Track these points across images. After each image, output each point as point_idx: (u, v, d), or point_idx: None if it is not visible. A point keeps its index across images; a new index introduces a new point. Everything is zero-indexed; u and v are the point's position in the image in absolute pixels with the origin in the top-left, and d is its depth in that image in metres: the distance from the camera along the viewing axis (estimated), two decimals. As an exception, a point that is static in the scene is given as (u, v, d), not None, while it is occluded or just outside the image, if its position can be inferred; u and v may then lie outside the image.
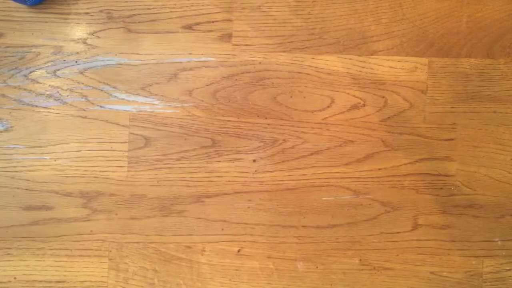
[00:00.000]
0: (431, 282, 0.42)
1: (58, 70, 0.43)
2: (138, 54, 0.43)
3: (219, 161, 0.43)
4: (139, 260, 0.43)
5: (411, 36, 0.43)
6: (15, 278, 0.43)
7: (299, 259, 0.43)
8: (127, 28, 0.43)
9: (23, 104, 0.43)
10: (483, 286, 0.42)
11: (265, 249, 0.43)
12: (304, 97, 0.43)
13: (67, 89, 0.43)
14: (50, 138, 0.43)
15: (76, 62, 0.43)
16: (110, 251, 0.43)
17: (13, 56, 0.43)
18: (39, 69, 0.43)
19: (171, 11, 0.43)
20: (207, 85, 0.43)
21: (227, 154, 0.43)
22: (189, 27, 0.43)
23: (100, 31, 0.43)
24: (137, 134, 0.43)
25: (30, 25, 0.43)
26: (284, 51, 0.43)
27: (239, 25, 0.43)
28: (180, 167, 0.43)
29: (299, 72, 0.43)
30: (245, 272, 0.43)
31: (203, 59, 0.43)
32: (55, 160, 0.43)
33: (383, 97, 0.43)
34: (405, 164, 0.43)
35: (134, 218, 0.43)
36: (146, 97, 0.43)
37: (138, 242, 0.43)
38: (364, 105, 0.43)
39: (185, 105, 0.43)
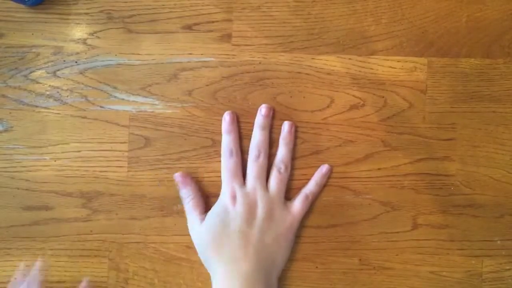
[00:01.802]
0: (431, 282, 0.42)
1: (58, 70, 0.43)
2: (138, 54, 0.43)
3: (219, 161, 0.43)
4: (139, 260, 0.43)
5: (410, 36, 0.43)
6: (15, 278, 0.43)
7: (300, 259, 0.43)
8: (127, 28, 0.43)
9: (23, 104, 0.43)
10: (483, 286, 0.42)
11: (265, 249, 0.43)
12: (304, 97, 0.43)
13: (67, 89, 0.43)
14: (50, 138, 0.43)
15: (76, 62, 0.43)
16: (110, 251, 0.43)
17: (13, 56, 0.43)
18: (39, 69, 0.43)
19: (170, 11, 0.43)
20: (207, 85, 0.43)
21: (227, 154, 0.43)
22: (188, 27, 0.43)
23: (100, 31, 0.43)
24: (137, 134, 0.43)
25: (30, 25, 0.43)
26: (284, 51, 0.43)
27: (239, 25, 0.43)
28: (180, 167, 0.43)
29: (299, 72, 0.43)
30: (245, 272, 0.43)
31: (203, 59, 0.43)
32: (55, 161, 0.43)
33: (383, 97, 0.43)
34: (404, 164, 0.43)
35: (134, 218, 0.43)
36: (146, 97, 0.43)
37: (138, 242, 0.43)
38: (363, 105, 0.43)
39: (185, 105, 0.43)
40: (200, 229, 0.40)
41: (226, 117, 0.42)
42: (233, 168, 0.41)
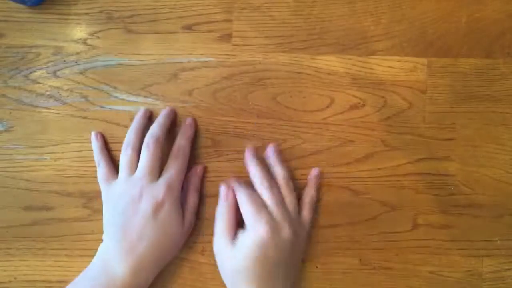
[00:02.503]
0: (431, 282, 0.42)
1: (58, 70, 0.43)
2: (138, 54, 0.43)
3: (219, 161, 0.43)
4: (139, 260, 0.43)
5: (410, 36, 0.43)
6: (15, 278, 0.43)
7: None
8: (127, 28, 0.43)
9: (24, 104, 0.43)
10: (483, 286, 0.42)
11: (265, 249, 0.43)
12: (304, 97, 0.43)
13: (67, 89, 0.43)
14: (50, 138, 0.43)
15: (76, 62, 0.43)
16: (111, 251, 0.43)
17: (13, 56, 0.43)
18: (39, 69, 0.43)
19: (171, 12, 0.43)
20: (207, 85, 0.43)
21: (227, 154, 0.43)
22: (189, 28, 0.43)
23: (100, 31, 0.43)
24: (137, 134, 0.43)
25: (30, 25, 0.43)
26: (283, 51, 0.43)
27: (239, 26, 0.43)
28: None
29: (299, 72, 0.43)
30: (245, 272, 0.43)
31: (203, 59, 0.43)
32: (55, 160, 0.43)
33: (383, 97, 0.43)
34: (404, 164, 0.43)
35: (134, 218, 0.43)
36: (146, 97, 0.43)
37: (138, 242, 0.43)
38: (363, 105, 0.43)
39: (185, 105, 0.43)
40: (233, 254, 0.38)
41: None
42: (258, 200, 0.39)
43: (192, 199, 0.41)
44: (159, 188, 0.38)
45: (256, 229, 0.38)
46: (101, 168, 0.41)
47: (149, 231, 0.38)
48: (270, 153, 0.42)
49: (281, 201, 0.40)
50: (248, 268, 0.37)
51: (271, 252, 0.37)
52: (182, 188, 0.41)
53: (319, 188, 0.42)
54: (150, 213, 0.38)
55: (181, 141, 0.41)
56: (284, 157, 0.43)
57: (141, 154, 0.40)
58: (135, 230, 0.37)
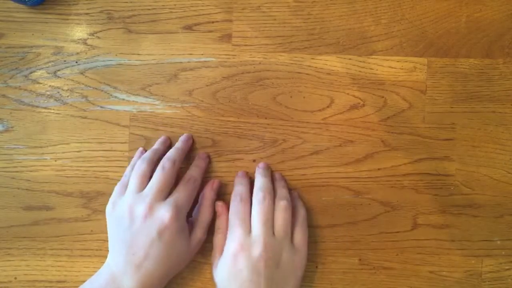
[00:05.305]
0: (431, 282, 0.42)
1: (59, 70, 0.43)
2: (138, 54, 0.43)
3: (219, 161, 0.43)
4: (140, 260, 0.43)
5: (410, 36, 0.43)
6: (15, 278, 0.43)
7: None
8: (127, 28, 0.43)
9: (24, 105, 0.43)
10: (482, 286, 0.42)
11: (265, 249, 0.43)
12: (304, 97, 0.43)
13: (68, 89, 0.43)
14: (50, 139, 0.43)
15: (76, 62, 0.43)
16: (111, 251, 0.43)
17: (13, 56, 0.43)
18: (39, 69, 0.43)
19: (171, 12, 0.43)
20: (207, 85, 0.43)
21: (227, 154, 0.43)
22: (189, 28, 0.43)
23: (100, 31, 0.43)
24: (137, 134, 0.43)
25: (31, 25, 0.43)
26: (284, 51, 0.43)
27: (239, 26, 0.43)
28: (180, 167, 0.43)
29: (299, 72, 0.43)
30: (245, 271, 0.43)
31: (203, 59, 0.43)
32: (55, 160, 0.43)
33: (383, 97, 0.43)
34: (404, 164, 0.43)
35: (134, 218, 0.43)
36: (146, 97, 0.43)
37: (138, 242, 0.43)
38: (363, 105, 0.43)
39: (185, 105, 0.43)
40: (216, 268, 0.39)
41: (239, 173, 0.43)
42: (244, 212, 0.40)
43: (204, 215, 0.41)
44: (166, 208, 0.37)
45: (228, 245, 0.39)
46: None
47: (155, 251, 0.37)
48: (278, 176, 0.42)
49: (267, 220, 0.38)
50: (223, 282, 0.38)
51: (244, 269, 0.37)
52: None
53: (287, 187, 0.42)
54: (155, 235, 0.37)
55: (193, 172, 0.41)
56: (284, 158, 0.43)
57: (154, 174, 0.39)
58: (142, 248, 0.37)
